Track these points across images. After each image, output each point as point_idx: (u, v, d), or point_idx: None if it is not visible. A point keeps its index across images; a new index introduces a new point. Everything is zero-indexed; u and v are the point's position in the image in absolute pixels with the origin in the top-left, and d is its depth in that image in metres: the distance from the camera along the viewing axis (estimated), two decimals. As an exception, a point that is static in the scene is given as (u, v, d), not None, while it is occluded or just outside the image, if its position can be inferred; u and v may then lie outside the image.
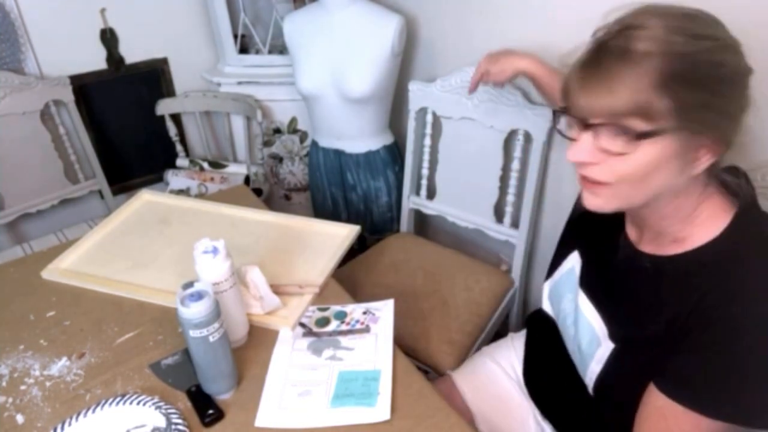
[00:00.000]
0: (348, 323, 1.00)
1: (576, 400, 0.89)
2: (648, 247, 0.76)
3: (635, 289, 0.76)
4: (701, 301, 0.66)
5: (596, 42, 0.65)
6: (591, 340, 0.81)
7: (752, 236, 0.68)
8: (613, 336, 0.77)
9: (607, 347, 0.77)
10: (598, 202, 0.70)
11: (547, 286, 0.98)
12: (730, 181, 0.71)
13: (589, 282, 0.85)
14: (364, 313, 1.02)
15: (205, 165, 2.06)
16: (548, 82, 1.14)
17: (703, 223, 0.70)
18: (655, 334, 0.71)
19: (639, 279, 0.76)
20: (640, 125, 0.62)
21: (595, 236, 0.86)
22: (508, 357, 1.13)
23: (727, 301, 0.64)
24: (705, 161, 0.65)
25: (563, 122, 0.72)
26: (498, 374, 1.11)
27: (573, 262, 0.91)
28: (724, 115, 0.64)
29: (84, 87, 1.90)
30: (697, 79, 0.61)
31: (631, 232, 0.80)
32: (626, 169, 0.65)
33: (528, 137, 1.40)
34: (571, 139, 0.68)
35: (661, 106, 0.60)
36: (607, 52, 0.63)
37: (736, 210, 0.70)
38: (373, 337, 0.96)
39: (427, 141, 1.61)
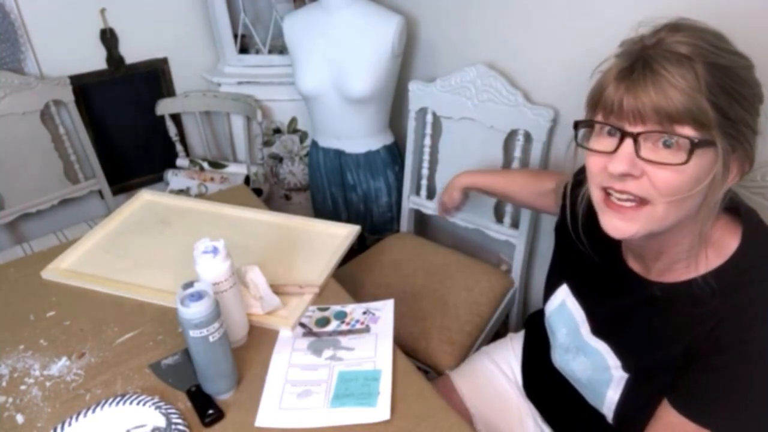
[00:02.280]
0: (348, 323, 1.00)
1: (575, 406, 0.89)
2: (657, 276, 0.74)
3: (648, 319, 0.74)
4: (717, 327, 0.65)
5: (636, 49, 0.63)
6: (602, 372, 0.79)
7: (763, 257, 0.66)
8: (626, 367, 0.76)
9: (621, 377, 0.76)
10: (632, 228, 0.65)
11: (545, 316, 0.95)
12: (736, 199, 0.70)
13: (594, 317, 0.83)
14: (364, 313, 1.02)
15: (205, 165, 2.06)
16: (490, 183, 1.20)
17: (714, 245, 0.68)
18: (671, 359, 0.70)
19: (651, 308, 0.74)
20: (691, 133, 0.59)
21: (587, 272, 0.84)
22: (507, 358, 1.13)
23: (744, 327, 0.63)
24: (731, 180, 0.64)
25: (581, 135, 0.70)
26: (496, 375, 1.11)
27: (563, 295, 0.89)
28: (754, 134, 0.64)
29: (84, 87, 1.90)
30: (738, 94, 0.61)
31: (634, 264, 0.78)
32: (673, 183, 0.61)
33: (528, 137, 1.40)
34: (599, 152, 0.65)
35: (710, 115, 0.59)
36: (655, 56, 0.60)
37: (743, 229, 0.68)
38: (373, 337, 0.96)
39: (427, 141, 1.61)
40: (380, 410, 0.82)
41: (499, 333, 1.47)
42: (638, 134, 0.61)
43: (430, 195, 1.68)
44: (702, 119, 0.59)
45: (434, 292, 1.45)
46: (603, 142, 0.65)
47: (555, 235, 0.96)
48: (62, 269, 1.14)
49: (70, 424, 0.81)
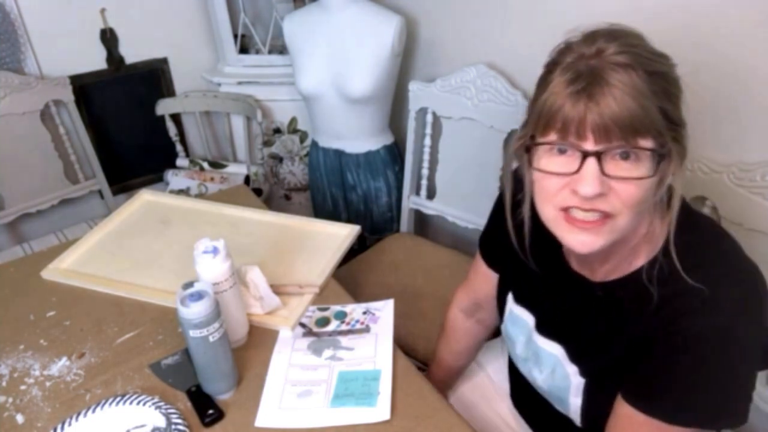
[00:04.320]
0: (348, 323, 1.00)
1: (563, 420, 0.87)
2: (602, 277, 0.74)
3: (594, 320, 0.75)
4: (655, 316, 0.65)
5: (581, 65, 0.61)
6: (562, 379, 0.79)
7: (693, 243, 0.66)
8: (583, 372, 0.76)
9: (579, 382, 0.77)
10: (597, 243, 0.64)
11: (502, 330, 0.94)
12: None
13: (547, 326, 0.82)
14: (364, 313, 1.02)
15: (205, 165, 2.06)
16: (445, 372, 1.11)
17: (650, 236, 0.69)
18: (620, 356, 0.70)
19: (595, 309, 0.75)
20: (651, 144, 0.59)
21: (528, 277, 0.83)
22: (497, 359, 1.11)
23: (678, 315, 0.64)
24: (670, 176, 0.64)
25: (522, 156, 0.68)
26: (482, 378, 1.10)
27: (510, 305, 0.89)
28: (686, 130, 0.64)
29: (84, 87, 1.90)
30: (674, 96, 0.61)
31: (579, 267, 0.77)
32: (639, 195, 0.61)
33: (528, 137, 1.40)
34: (558, 173, 0.63)
35: (662, 123, 0.59)
36: (606, 70, 0.59)
37: (670, 218, 0.67)
38: (373, 337, 0.96)
39: (427, 141, 1.61)
40: (380, 410, 0.82)
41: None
42: (601, 152, 0.60)
43: (430, 195, 1.68)
44: (659, 128, 0.59)
45: (434, 292, 1.45)
46: (557, 161, 0.63)
47: (480, 250, 0.96)
48: (62, 269, 1.14)
49: (70, 424, 0.81)
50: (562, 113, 0.61)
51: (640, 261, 0.69)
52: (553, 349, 0.80)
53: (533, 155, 0.66)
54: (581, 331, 0.77)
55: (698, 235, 0.68)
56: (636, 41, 0.61)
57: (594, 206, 0.62)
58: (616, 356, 0.71)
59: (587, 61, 0.60)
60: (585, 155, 0.60)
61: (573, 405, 0.79)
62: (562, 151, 0.63)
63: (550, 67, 0.64)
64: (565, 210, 0.65)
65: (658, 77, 0.59)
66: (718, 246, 0.67)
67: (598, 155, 0.60)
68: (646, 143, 0.59)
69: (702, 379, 0.64)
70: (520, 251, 0.80)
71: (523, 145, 0.67)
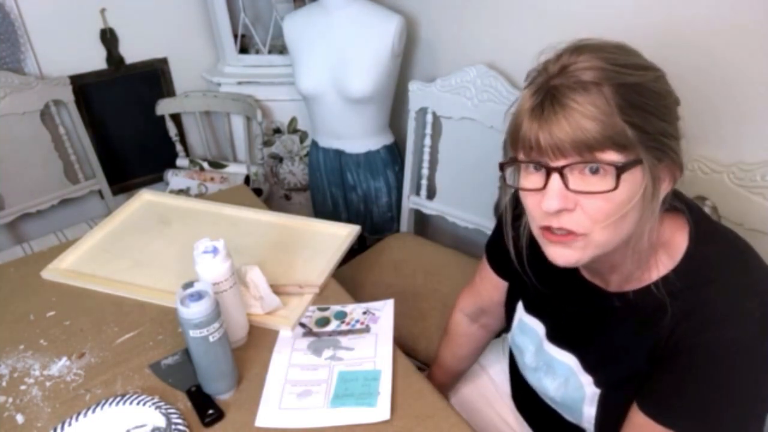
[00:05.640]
0: (348, 323, 1.00)
1: (567, 424, 0.87)
2: (616, 288, 0.74)
3: (610, 330, 0.74)
4: (675, 330, 0.65)
5: (542, 83, 0.62)
6: (576, 389, 0.79)
7: (713, 254, 0.66)
8: (598, 382, 0.76)
9: (594, 393, 0.76)
10: (573, 257, 0.65)
11: (509, 339, 0.94)
12: (678, 195, 0.70)
13: (559, 336, 0.82)
14: (364, 313, 1.02)
15: (205, 165, 2.06)
16: (446, 374, 1.11)
17: (665, 247, 0.68)
18: (639, 367, 0.70)
19: (611, 320, 0.74)
20: (614, 157, 0.59)
21: (542, 288, 0.82)
22: (498, 361, 1.11)
23: (700, 329, 0.63)
24: (665, 188, 0.64)
25: (511, 175, 0.68)
26: (483, 380, 1.10)
27: (520, 314, 0.88)
28: (677, 140, 0.63)
29: (84, 87, 1.90)
30: (652, 107, 0.60)
31: (592, 278, 0.77)
32: (606, 209, 0.61)
33: (528, 137, 1.40)
34: (530, 189, 0.64)
35: (630, 135, 0.58)
36: (561, 88, 0.59)
37: (689, 226, 0.68)
38: (373, 337, 0.96)
39: (427, 141, 1.61)
40: (380, 410, 0.82)
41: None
42: (562, 168, 0.60)
43: (430, 195, 1.68)
44: (622, 141, 0.58)
45: (434, 292, 1.45)
46: (532, 178, 0.64)
47: (487, 256, 0.96)
48: (62, 269, 1.14)
49: (70, 424, 0.81)
50: (522, 131, 0.63)
51: (657, 272, 0.68)
52: (566, 359, 0.80)
53: (518, 173, 0.67)
54: (596, 341, 0.76)
55: (718, 246, 0.67)
56: (604, 54, 0.61)
57: (562, 224, 0.63)
58: (634, 367, 0.70)
59: (549, 80, 0.61)
60: (549, 171, 0.61)
61: (587, 415, 0.78)
62: (537, 169, 0.64)
63: (525, 84, 0.66)
64: (546, 228, 0.65)
65: (629, 90, 0.59)
66: (739, 257, 0.67)
67: (561, 171, 0.61)
68: (607, 156, 0.59)
69: (723, 392, 0.63)
70: (517, 264, 0.80)
71: (500, 165, 0.69)
